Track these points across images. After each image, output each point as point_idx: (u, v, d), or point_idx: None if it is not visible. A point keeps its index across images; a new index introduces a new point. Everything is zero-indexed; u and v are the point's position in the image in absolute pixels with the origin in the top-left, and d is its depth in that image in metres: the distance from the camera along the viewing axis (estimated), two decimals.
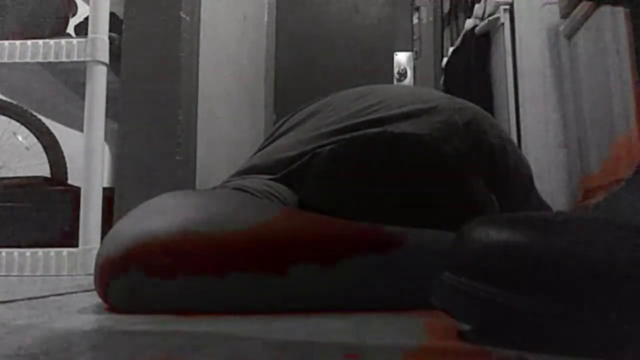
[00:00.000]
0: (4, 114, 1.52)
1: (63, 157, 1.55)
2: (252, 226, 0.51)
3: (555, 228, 0.33)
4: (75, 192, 1.10)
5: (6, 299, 0.61)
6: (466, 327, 0.36)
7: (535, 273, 0.31)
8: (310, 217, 0.55)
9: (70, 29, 1.34)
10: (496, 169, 0.64)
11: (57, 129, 1.59)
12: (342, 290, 0.51)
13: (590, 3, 1.25)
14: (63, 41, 1.13)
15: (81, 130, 1.11)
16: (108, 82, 1.12)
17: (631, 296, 0.30)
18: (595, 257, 0.31)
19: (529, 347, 0.31)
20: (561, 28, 1.44)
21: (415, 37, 2.65)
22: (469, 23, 1.76)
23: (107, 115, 1.11)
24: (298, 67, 2.61)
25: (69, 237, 1.07)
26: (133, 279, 0.49)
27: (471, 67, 1.73)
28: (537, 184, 0.75)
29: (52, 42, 1.13)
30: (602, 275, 0.30)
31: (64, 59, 1.12)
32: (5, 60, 1.13)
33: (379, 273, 0.51)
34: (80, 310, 0.51)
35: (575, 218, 0.35)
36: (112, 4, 1.16)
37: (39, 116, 1.54)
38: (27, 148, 1.74)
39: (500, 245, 0.33)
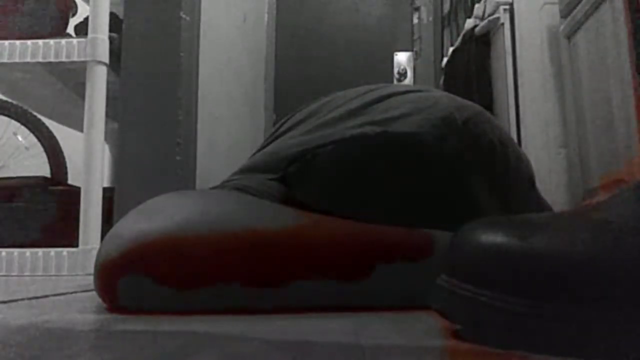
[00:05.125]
0: (4, 114, 1.52)
1: (63, 157, 1.55)
2: (260, 229, 0.51)
3: (550, 230, 0.33)
4: (75, 192, 1.10)
5: (6, 299, 0.61)
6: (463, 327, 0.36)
7: (523, 275, 0.32)
8: (329, 221, 0.54)
9: (70, 29, 1.34)
10: (496, 168, 0.64)
11: (57, 129, 1.59)
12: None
13: (590, 3, 1.24)
14: (63, 41, 1.13)
15: (81, 130, 1.11)
16: (108, 82, 1.12)
17: (620, 295, 0.30)
18: (586, 259, 0.31)
19: (526, 347, 0.31)
20: (561, 28, 1.44)
21: (415, 37, 2.65)
22: (469, 23, 1.76)
23: (107, 115, 1.11)
24: (298, 67, 2.61)
25: (68, 237, 1.07)
26: (132, 279, 0.49)
27: (471, 67, 1.73)
28: (537, 184, 0.75)
29: (52, 42, 1.13)
30: (591, 276, 0.30)
31: (64, 59, 1.12)
32: (5, 60, 1.13)
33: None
34: (80, 310, 0.51)
35: (572, 219, 0.35)
36: (112, 4, 1.16)
37: (39, 116, 1.54)
38: (27, 148, 1.74)
39: (492, 249, 0.33)
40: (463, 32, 1.80)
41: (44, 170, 1.50)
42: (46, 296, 0.65)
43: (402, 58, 2.64)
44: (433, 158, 0.58)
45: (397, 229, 0.55)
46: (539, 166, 1.39)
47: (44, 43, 1.13)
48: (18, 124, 1.56)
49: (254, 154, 0.71)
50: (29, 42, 1.14)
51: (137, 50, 1.18)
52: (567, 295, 0.30)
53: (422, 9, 2.67)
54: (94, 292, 0.53)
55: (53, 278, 0.99)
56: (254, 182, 0.61)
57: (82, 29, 1.29)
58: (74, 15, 1.38)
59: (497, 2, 1.58)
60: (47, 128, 1.55)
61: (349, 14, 2.71)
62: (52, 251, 1.05)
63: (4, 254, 1.05)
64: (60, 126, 1.62)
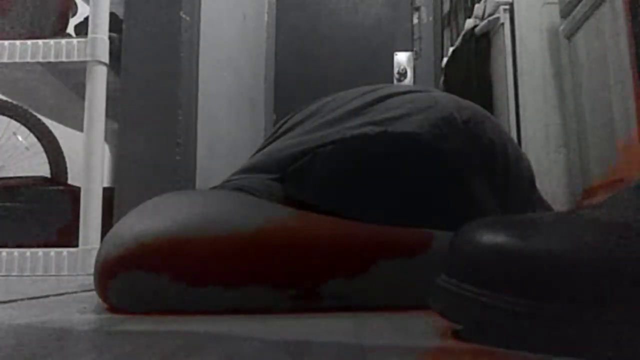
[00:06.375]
0: (4, 114, 1.52)
1: (63, 157, 1.55)
2: (260, 228, 0.51)
3: (550, 230, 0.33)
4: (75, 192, 1.10)
5: (6, 299, 0.61)
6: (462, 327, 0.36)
7: (523, 275, 0.32)
8: (328, 220, 0.54)
9: (70, 29, 1.34)
10: (496, 168, 0.64)
11: (57, 129, 1.59)
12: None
13: (590, 3, 1.24)
14: (63, 41, 1.13)
15: (81, 130, 1.11)
16: (108, 82, 1.12)
17: (620, 295, 0.30)
18: (586, 259, 0.31)
19: (526, 347, 0.31)
20: (561, 28, 1.44)
21: (415, 37, 2.65)
22: (469, 23, 1.76)
23: (107, 115, 1.11)
24: (298, 67, 2.61)
25: (69, 237, 1.07)
26: (133, 278, 0.49)
27: (471, 67, 1.73)
28: (537, 184, 0.75)
29: (52, 42, 1.13)
30: (591, 276, 0.30)
31: (64, 59, 1.12)
32: (5, 60, 1.13)
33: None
34: (80, 310, 0.51)
35: (572, 219, 0.35)
36: (112, 4, 1.16)
37: (39, 116, 1.54)
38: (27, 148, 1.73)
39: (492, 249, 0.33)
40: (463, 32, 1.80)
41: (44, 170, 1.50)
42: (46, 296, 0.65)
43: (402, 58, 2.64)
44: (433, 158, 0.58)
45: (397, 229, 0.55)
46: (539, 166, 1.39)
47: (44, 43, 1.13)
48: (18, 124, 1.56)
49: (254, 154, 0.71)
50: (29, 42, 1.14)
51: (137, 50, 1.18)
52: (567, 295, 0.30)
53: (422, 9, 2.67)
54: (94, 292, 0.53)
55: (53, 278, 0.99)
56: (254, 182, 0.61)
57: (82, 29, 1.30)
58: (74, 15, 1.38)
59: (497, 2, 1.58)
60: (47, 128, 1.55)
61: (349, 14, 2.71)
62: (52, 251, 1.05)
63: (4, 254, 1.05)
64: (60, 126, 1.62)
